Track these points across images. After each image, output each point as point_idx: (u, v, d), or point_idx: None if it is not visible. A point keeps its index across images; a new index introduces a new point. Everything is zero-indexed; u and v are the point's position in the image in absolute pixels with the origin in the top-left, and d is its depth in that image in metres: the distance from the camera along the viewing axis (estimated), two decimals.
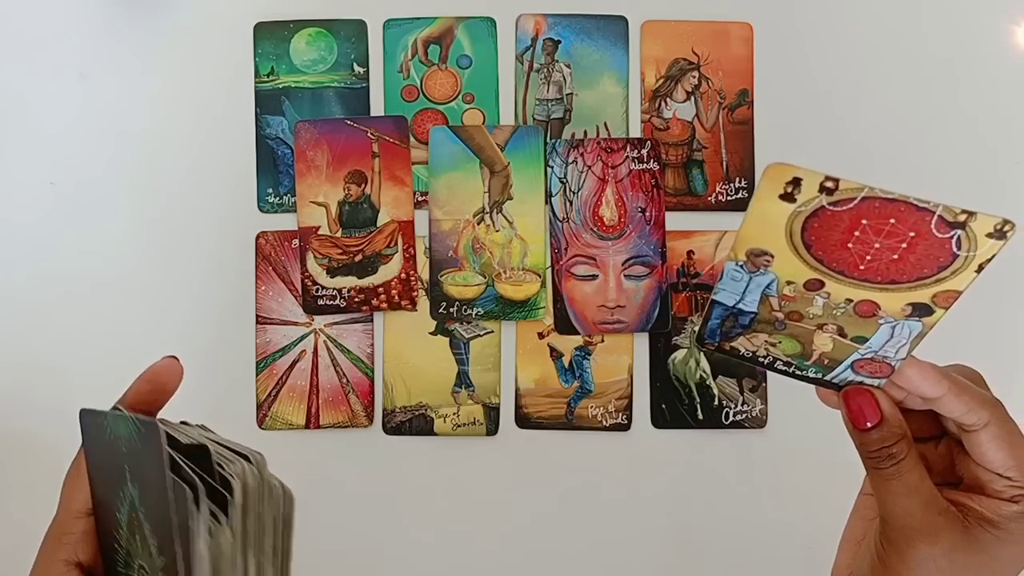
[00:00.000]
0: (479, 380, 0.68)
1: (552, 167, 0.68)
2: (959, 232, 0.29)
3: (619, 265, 0.68)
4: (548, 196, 0.68)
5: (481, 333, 0.68)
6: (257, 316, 0.68)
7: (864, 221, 0.29)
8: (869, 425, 0.33)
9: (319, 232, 0.68)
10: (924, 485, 0.32)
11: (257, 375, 0.68)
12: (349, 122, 0.68)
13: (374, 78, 0.69)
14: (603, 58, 0.69)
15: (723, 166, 0.69)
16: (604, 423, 0.68)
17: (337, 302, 0.68)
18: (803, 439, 0.68)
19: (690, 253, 0.68)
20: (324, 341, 0.68)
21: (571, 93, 0.69)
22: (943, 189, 0.69)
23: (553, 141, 0.68)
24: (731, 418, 0.68)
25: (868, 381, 0.34)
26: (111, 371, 0.68)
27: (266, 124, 0.69)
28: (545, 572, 0.68)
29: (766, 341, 0.34)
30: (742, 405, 0.68)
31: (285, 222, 0.69)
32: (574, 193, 0.68)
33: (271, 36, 0.69)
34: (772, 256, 0.31)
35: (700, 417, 0.68)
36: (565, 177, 0.68)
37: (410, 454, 0.68)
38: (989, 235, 0.28)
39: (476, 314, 0.68)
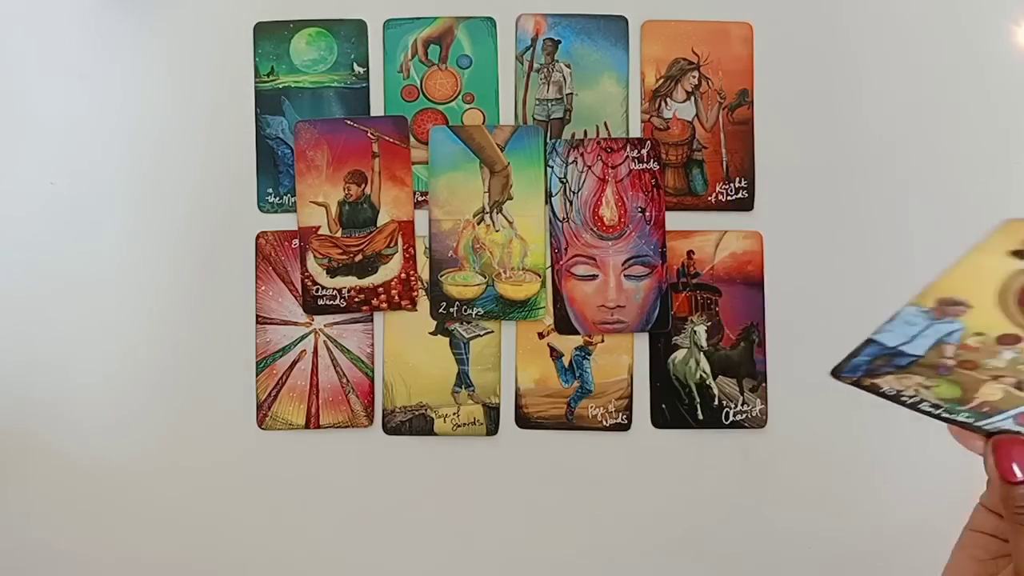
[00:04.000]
0: (479, 380, 0.68)
1: (552, 167, 0.68)
2: None
3: (619, 265, 0.68)
4: (548, 196, 0.68)
5: (481, 333, 0.68)
6: (257, 316, 0.68)
7: None
8: (1019, 478, 0.31)
9: (319, 232, 0.68)
10: None
11: (257, 375, 0.68)
12: (349, 122, 0.68)
13: (374, 78, 0.69)
14: (603, 58, 0.69)
15: (723, 166, 0.69)
16: (604, 423, 0.68)
17: (337, 302, 0.68)
18: (803, 439, 0.68)
19: (690, 253, 0.68)
20: (324, 341, 0.68)
21: (571, 93, 0.69)
22: (943, 189, 0.69)
23: (553, 141, 0.68)
24: (731, 418, 0.68)
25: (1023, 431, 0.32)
26: (111, 371, 0.68)
27: (266, 124, 0.69)
28: (545, 572, 0.68)
29: (919, 383, 0.32)
30: (742, 405, 0.68)
31: (285, 222, 0.69)
32: (574, 193, 0.68)
33: (271, 36, 0.69)
34: (970, 307, 0.29)
35: (700, 417, 0.68)
36: (565, 177, 0.68)
37: (410, 454, 0.68)
38: None
39: (476, 314, 0.68)
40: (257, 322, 0.68)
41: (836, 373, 0.33)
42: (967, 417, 0.33)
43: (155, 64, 0.69)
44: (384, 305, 0.68)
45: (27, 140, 0.69)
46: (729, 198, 0.68)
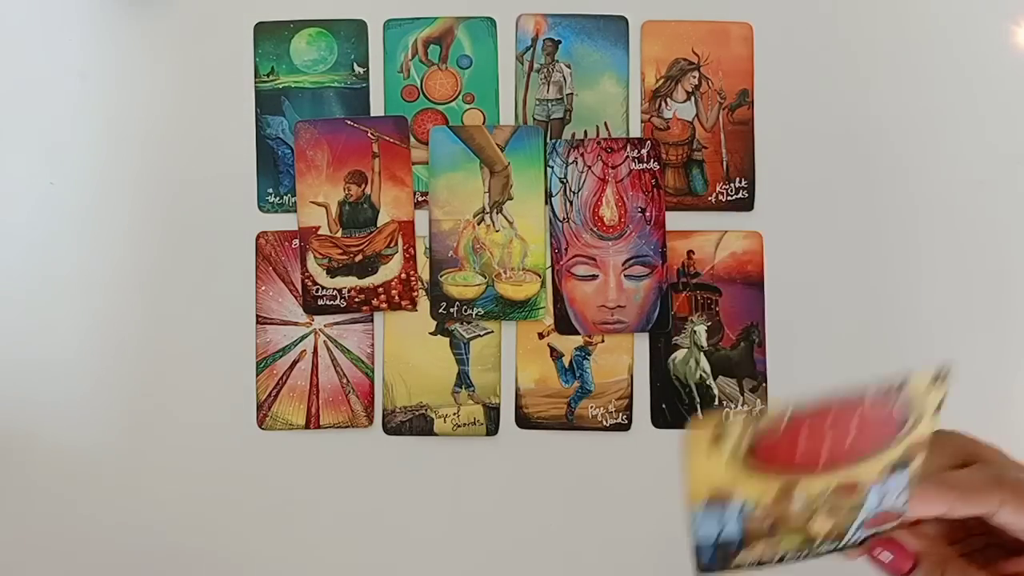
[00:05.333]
0: (479, 380, 0.68)
1: (552, 167, 0.68)
2: (899, 397, 0.28)
3: (619, 265, 0.68)
4: (548, 196, 0.68)
5: (481, 333, 0.68)
6: (257, 316, 0.68)
7: (804, 431, 0.28)
8: (907, 569, 0.33)
9: (319, 232, 0.68)
10: None
11: (257, 375, 0.68)
12: (349, 122, 0.68)
13: (374, 78, 0.69)
14: (603, 58, 0.69)
15: (723, 166, 0.69)
16: (604, 423, 0.68)
17: (337, 302, 0.68)
18: None
19: (690, 253, 0.68)
20: (324, 341, 0.68)
21: (571, 93, 0.69)
22: (943, 189, 0.69)
23: (553, 141, 0.68)
24: (731, 418, 0.67)
25: (883, 529, 0.33)
26: (110, 371, 0.68)
27: (266, 124, 0.69)
28: (545, 572, 0.68)
29: (766, 547, 0.33)
30: (742, 405, 0.68)
31: (285, 222, 0.69)
32: (574, 193, 0.68)
33: (271, 36, 0.69)
34: (731, 490, 0.30)
35: (700, 417, 0.68)
36: (565, 177, 0.68)
37: (410, 454, 0.68)
38: (930, 386, 0.28)
39: (476, 314, 0.68)
40: (257, 322, 0.68)
41: (701, 572, 0.34)
42: (831, 546, 0.33)
43: (155, 64, 0.69)
44: (384, 305, 0.68)
45: (27, 140, 0.69)
46: (729, 198, 0.68)
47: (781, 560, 0.34)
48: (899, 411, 0.29)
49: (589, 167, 0.68)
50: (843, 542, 0.33)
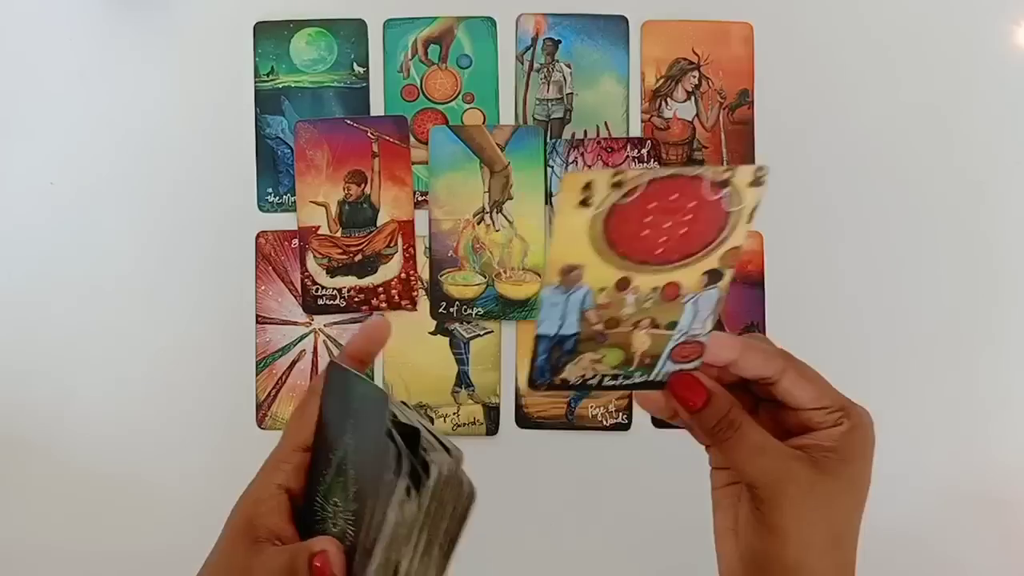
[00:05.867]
0: (479, 380, 0.68)
1: (552, 167, 0.68)
2: (726, 190, 0.30)
3: None
4: (548, 196, 0.68)
5: (481, 333, 0.68)
6: (257, 316, 0.68)
7: (653, 204, 0.30)
8: (700, 405, 0.35)
9: (319, 232, 0.68)
10: (768, 439, 0.35)
11: (257, 375, 0.68)
12: (349, 122, 0.68)
13: (374, 78, 0.69)
14: (603, 58, 0.69)
15: (723, 166, 0.68)
16: (604, 423, 0.68)
17: (337, 302, 0.68)
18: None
19: None
20: (324, 341, 0.68)
21: (571, 93, 0.69)
22: (943, 189, 0.69)
23: (553, 141, 0.68)
24: None
25: (686, 367, 0.36)
26: (111, 371, 0.68)
27: (266, 124, 0.69)
28: (545, 572, 0.68)
29: (591, 360, 0.35)
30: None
31: (285, 222, 0.69)
32: None
33: (271, 36, 0.69)
34: (582, 267, 0.32)
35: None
36: None
37: None
38: (751, 184, 0.30)
39: (476, 314, 0.68)
40: (257, 322, 0.68)
41: (531, 383, 0.36)
42: (641, 375, 0.36)
43: (155, 64, 0.69)
44: (384, 305, 0.68)
45: (27, 140, 0.69)
46: None
47: (600, 384, 0.36)
48: (724, 204, 0.31)
49: (589, 167, 0.68)
50: (652, 374, 0.36)
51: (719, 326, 0.35)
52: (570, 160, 0.68)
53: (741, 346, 0.35)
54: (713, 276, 0.33)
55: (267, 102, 0.69)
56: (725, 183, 0.30)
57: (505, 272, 0.68)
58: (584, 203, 0.29)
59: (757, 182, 0.30)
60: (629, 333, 0.34)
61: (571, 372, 0.35)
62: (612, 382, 0.36)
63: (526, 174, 0.68)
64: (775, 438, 0.35)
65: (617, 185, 0.29)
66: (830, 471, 0.34)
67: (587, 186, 0.29)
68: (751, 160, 0.69)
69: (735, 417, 0.35)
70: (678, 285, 0.33)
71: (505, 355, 0.68)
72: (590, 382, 0.36)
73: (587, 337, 0.34)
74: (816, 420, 0.35)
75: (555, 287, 0.32)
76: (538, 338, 0.34)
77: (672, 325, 0.34)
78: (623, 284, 0.33)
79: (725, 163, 0.68)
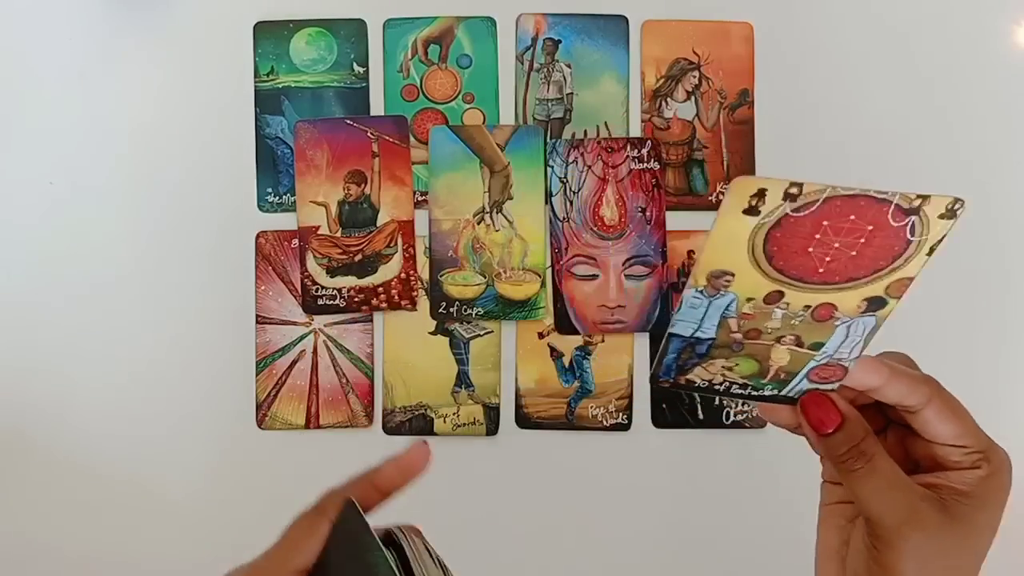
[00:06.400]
0: (479, 380, 0.68)
1: (552, 167, 0.68)
2: (914, 218, 0.29)
3: (619, 265, 0.68)
4: (548, 196, 0.68)
5: (481, 333, 0.68)
6: (257, 316, 0.68)
7: (825, 222, 0.28)
8: (831, 430, 0.33)
9: (319, 232, 0.68)
10: (899, 475, 0.32)
11: (257, 375, 0.68)
12: (349, 122, 0.68)
13: (374, 78, 0.69)
14: (603, 58, 0.69)
15: (724, 166, 0.68)
16: (604, 423, 0.68)
17: (337, 302, 0.68)
18: (803, 439, 0.68)
19: (690, 253, 0.68)
20: (324, 341, 0.68)
21: (571, 93, 0.69)
22: (943, 189, 0.69)
23: (553, 141, 0.68)
24: (731, 418, 0.68)
25: (822, 387, 0.34)
26: (111, 371, 0.68)
27: (266, 124, 0.69)
28: (545, 572, 0.68)
29: (723, 367, 0.34)
30: (742, 405, 0.67)
31: (285, 222, 0.69)
32: (574, 193, 0.68)
33: (271, 36, 0.69)
34: (733, 275, 0.30)
35: (700, 417, 0.68)
36: (565, 177, 0.68)
37: None
38: (941, 216, 0.29)
39: (476, 314, 0.68)
40: (257, 322, 0.68)
41: (654, 379, 0.34)
42: (772, 389, 0.34)
43: (155, 64, 0.69)
44: (384, 305, 0.68)
45: (27, 140, 0.69)
46: None
47: (727, 391, 0.35)
48: (907, 232, 0.29)
49: (589, 167, 0.68)
50: (784, 390, 0.34)
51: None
52: (570, 160, 0.68)
53: (888, 373, 0.32)
54: (874, 304, 0.31)
55: (267, 102, 0.69)
56: (915, 211, 0.28)
57: (505, 272, 0.68)
58: (751, 210, 0.28)
59: (950, 214, 0.28)
60: (769, 347, 0.32)
61: (699, 374, 0.34)
62: (740, 391, 0.35)
63: (526, 174, 0.68)
64: (902, 470, 0.33)
65: (791, 197, 0.28)
66: (961, 518, 0.32)
67: (758, 193, 0.27)
68: (751, 160, 0.68)
69: (867, 448, 0.33)
70: (833, 307, 0.31)
71: (505, 355, 0.68)
72: (717, 387, 0.34)
73: (722, 344, 0.32)
74: (953, 459, 0.32)
75: (699, 289, 0.31)
76: (670, 336, 0.32)
77: (817, 346, 0.32)
78: (773, 297, 0.31)
79: (725, 163, 0.68)
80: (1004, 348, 0.69)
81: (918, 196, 0.28)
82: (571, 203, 0.68)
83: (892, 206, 0.28)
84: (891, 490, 0.32)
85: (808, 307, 0.31)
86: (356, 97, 0.69)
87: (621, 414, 0.68)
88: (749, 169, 0.68)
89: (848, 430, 0.33)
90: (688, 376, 0.34)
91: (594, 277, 0.68)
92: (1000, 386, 0.69)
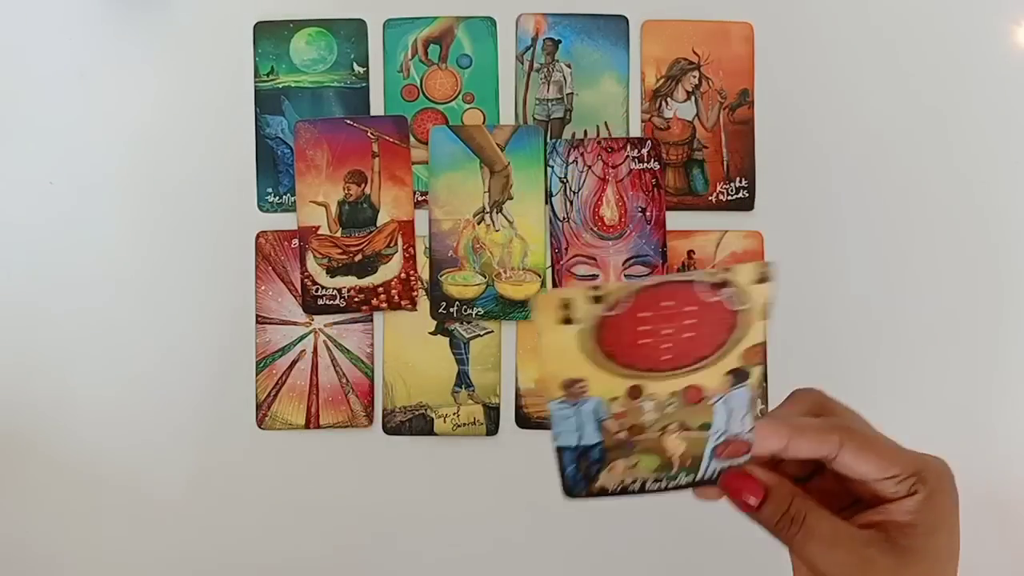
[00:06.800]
0: (479, 380, 0.68)
1: (552, 167, 0.68)
2: (728, 290, 0.29)
3: (619, 265, 0.68)
4: (548, 196, 0.68)
5: (481, 333, 0.68)
6: (257, 316, 0.68)
7: (646, 313, 0.29)
8: (757, 504, 0.33)
9: (319, 232, 0.68)
10: (838, 530, 0.31)
11: (257, 375, 0.68)
12: (349, 122, 0.68)
13: (374, 78, 0.69)
14: (603, 58, 0.69)
15: (724, 166, 0.68)
16: None
17: (337, 302, 0.68)
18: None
19: (690, 253, 0.68)
20: (324, 341, 0.68)
21: (571, 93, 0.69)
22: (943, 189, 0.69)
23: (553, 141, 0.68)
24: None
25: (735, 463, 0.34)
26: (111, 371, 0.68)
27: (266, 124, 0.69)
28: (545, 572, 0.68)
29: (625, 467, 0.33)
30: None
31: (285, 222, 0.69)
32: (574, 193, 0.68)
33: (271, 36, 0.69)
34: (584, 380, 0.30)
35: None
36: (565, 177, 0.68)
37: (410, 454, 0.68)
38: (755, 282, 0.29)
39: (476, 314, 0.68)
40: (257, 322, 0.68)
41: (568, 494, 0.34)
42: (687, 476, 0.34)
43: (155, 64, 0.69)
44: (384, 305, 0.68)
45: (27, 140, 0.69)
46: (729, 198, 0.68)
47: (643, 489, 0.35)
48: (730, 303, 0.29)
49: (589, 167, 0.68)
50: (699, 474, 0.34)
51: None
52: (570, 160, 0.68)
53: (788, 432, 0.32)
54: (739, 375, 0.31)
55: (267, 102, 0.69)
56: (723, 284, 0.29)
57: (505, 272, 0.68)
58: (566, 320, 0.28)
59: (762, 279, 0.29)
60: (659, 438, 0.32)
61: (608, 480, 0.34)
62: (656, 485, 0.34)
63: (526, 174, 0.68)
64: (844, 518, 0.32)
65: (597, 300, 0.28)
66: (913, 551, 0.31)
67: (564, 305, 0.28)
68: (751, 160, 0.68)
69: (798, 511, 0.32)
70: (700, 388, 0.31)
71: (505, 355, 0.68)
72: (631, 488, 0.34)
73: (613, 446, 0.32)
74: (888, 492, 0.32)
75: (560, 401, 0.31)
76: (559, 450, 0.32)
77: (706, 427, 0.32)
78: (635, 392, 0.31)
79: (725, 163, 0.68)
80: (1002, 349, 0.69)
81: (721, 271, 0.29)
82: (571, 203, 0.68)
83: (697, 284, 0.29)
84: (833, 548, 0.31)
85: (675, 393, 0.31)
86: (356, 97, 0.69)
87: None
88: (749, 169, 0.68)
89: (774, 499, 0.32)
90: (598, 483, 0.34)
91: (594, 277, 0.68)
92: (1001, 387, 0.69)
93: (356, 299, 0.68)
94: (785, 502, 0.32)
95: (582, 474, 0.34)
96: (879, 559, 0.31)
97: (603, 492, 0.34)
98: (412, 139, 0.68)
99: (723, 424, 0.32)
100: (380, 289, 0.68)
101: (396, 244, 0.68)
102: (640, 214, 0.68)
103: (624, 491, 0.34)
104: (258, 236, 0.68)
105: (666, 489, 0.35)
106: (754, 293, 0.29)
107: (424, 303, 0.68)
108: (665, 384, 0.31)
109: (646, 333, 0.30)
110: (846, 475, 0.32)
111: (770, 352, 0.68)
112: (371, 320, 0.68)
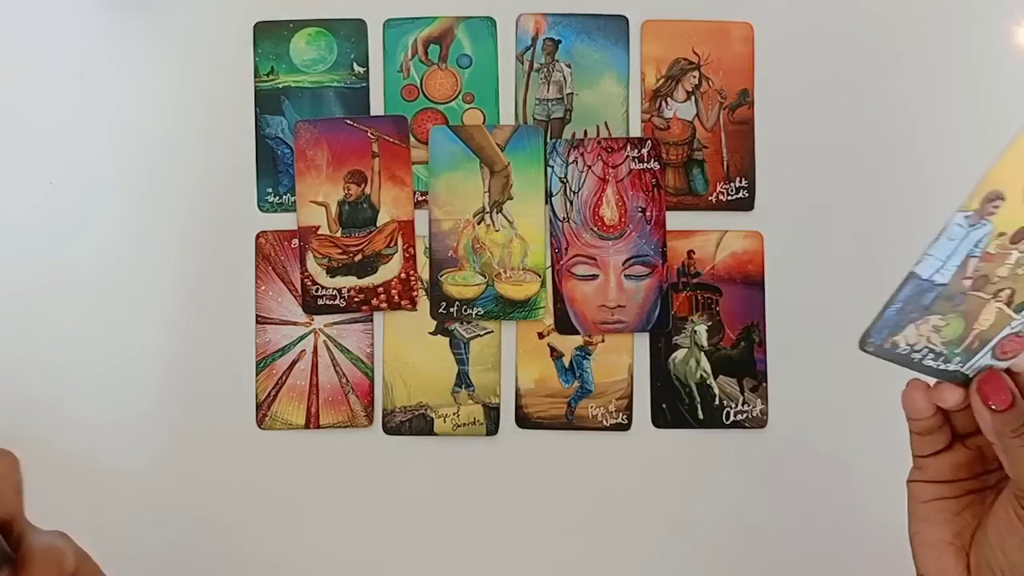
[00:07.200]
0: (479, 380, 0.68)
1: (552, 167, 0.68)
2: None
3: (619, 265, 0.68)
4: (548, 196, 0.68)
5: (481, 333, 0.68)
6: (257, 316, 0.68)
7: None
8: (1005, 406, 0.36)
9: (319, 232, 0.68)
10: None
11: (257, 375, 0.68)
12: (349, 122, 0.68)
13: (374, 78, 0.69)
14: (603, 58, 0.69)
15: (724, 166, 0.68)
16: (604, 423, 0.68)
17: (337, 302, 0.68)
18: (803, 439, 0.68)
19: (691, 253, 0.68)
20: (324, 341, 0.68)
21: (571, 93, 0.69)
22: (943, 188, 0.69)
23: (553, 141, 0.68)
24: (731, 418, 0.68)
25: (999, 365, 0.35)
26: (110, 371, 0.68)
27: (266, 124, 0.69)
28: (546, 572, 0.68)
29: (933, 326, 0.35)
30: (742, 405, 0.68)
31: (285, 222, 0.69)
32: (574, 193, 0.68)
33: (271, 36, 0.69)
34: (1004, 201, 0.31)
35: (700, 417, 0.68)
36: (565, 177, 0.68)
37: (410, 454, 0.68)
38: None
39: (476, 314, 0.68)
40: (257, 322, 0.68)
41: (863, 342, 0.36)
42: (958, 362, 0.36)
43: (155, 64, 0.69)
44: (384, 305, 0.68)
45: (27, 140, 0.69)
46: (729, 198, 0.68)
47: (921, 363, 0.36)
48: None
49: (589, 167, 0.68)
50: (969, 363, 0.36)
51: None
52: (570, 160, 0.68)
53: None
54: None
55: (267, 102, 0.69)
56: None
57: (505, 272, 0.68)
58: None
59: None
60: (984, 303, 0.34)
61: (907, 336, 0.35)
62: (931, 363, 0.36)
63: (526, 174, 0.68)
64: None
65: None
66: None
67: None
68: (751, 160, 0.68)
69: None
70: None
71: (505, 355, 0.68)
72: (914, 356, 0.36)
73: (949, 295, 0.33)
74: None
75: (967, 215, 0.31)
76: (909, 276, 0.34)
77: (1020, 308, 0.34)
78: (1018, 237, 0.32)
79: (725, 163, 0.68)
80: None
81: None
82: (571, 203, 0.68)
83: None
84: None
85: None
86: (356, 97, 0.69)
87: (621, 414, 0.68)
88: (749, 169, 0.68)
89: (1019, 407, 0.36)
90: (896, 338, 0.35)
91: (594, 277, 0.68)
92: None
93: (356, 299, 0.68)
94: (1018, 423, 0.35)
95: (896, 319, 0.34)
96: None
97: (892, 349, 0.35)
98: (412, 139, 0.68)
99: None
100: (380, 289, 0.68)
101: (396, 244, 0.68)
102: (640, 214, 0.68)
103: (907, 355, 0.36)
104: (258, 236, 0.68)
105: (933, 372, 0.36)
106: None
107: (424, 303, 0.68)
108: None
109: None
110: None
111: (769, 352, 0.68)
112: (371, 320, 0.68)
